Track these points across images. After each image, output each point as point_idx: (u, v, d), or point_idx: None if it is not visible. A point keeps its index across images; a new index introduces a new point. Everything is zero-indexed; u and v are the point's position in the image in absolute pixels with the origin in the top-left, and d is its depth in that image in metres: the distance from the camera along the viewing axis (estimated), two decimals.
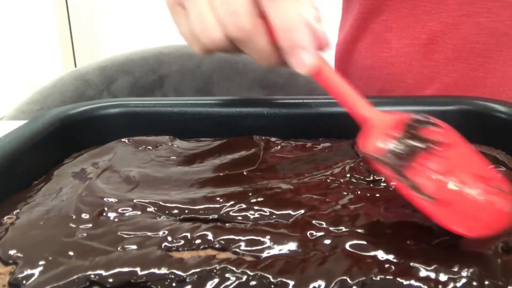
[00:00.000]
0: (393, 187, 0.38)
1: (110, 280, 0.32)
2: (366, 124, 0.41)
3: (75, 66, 2.83)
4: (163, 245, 0.35)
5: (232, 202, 0.39)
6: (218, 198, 0.40)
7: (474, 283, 0.30)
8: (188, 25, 0.46)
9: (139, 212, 0.39)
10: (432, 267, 0.31)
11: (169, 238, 0.35)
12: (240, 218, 0.38)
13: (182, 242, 0.35)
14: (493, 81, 0.67)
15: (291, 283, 0.31)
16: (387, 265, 0.32)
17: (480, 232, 0.33)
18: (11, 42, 2.75)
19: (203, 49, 0.47)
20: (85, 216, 0.38)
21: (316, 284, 0.31)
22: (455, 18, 0.66)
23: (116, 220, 0.38)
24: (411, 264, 0.32)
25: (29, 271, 0.32)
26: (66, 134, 0.52)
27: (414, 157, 0.37)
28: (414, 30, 0.70)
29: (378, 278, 0.31)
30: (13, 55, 2.76)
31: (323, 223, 0.36)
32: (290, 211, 0.38)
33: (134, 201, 0.40)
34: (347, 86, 0.43)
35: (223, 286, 0.31)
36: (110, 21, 2.82)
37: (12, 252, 0.34)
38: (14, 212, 0.40)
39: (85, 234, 0.36)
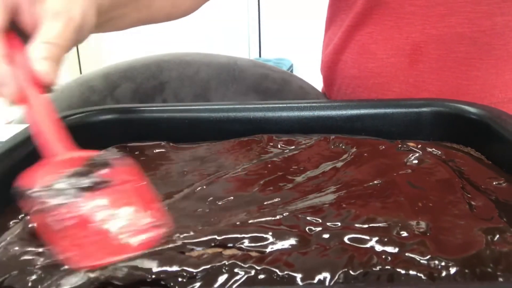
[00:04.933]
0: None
1: (123, 278, 0.31)
2: (46, 159, 0.40)
3: (81, 73, 2.83)
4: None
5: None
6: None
7: (466, 271, 0.31)
8: None
9: None
10: (427, 257, 0.31)
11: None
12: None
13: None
14: (476, 88, 0.67)
15: (298, 276, 0.31)
16: (384, 256, 0.32)
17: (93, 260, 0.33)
18: None
19: None
20: None
21: (321, 276, 0.30)
22: (438, 29, 0.66)
23: None
24: (407, 254, 0.32)
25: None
26: None
27: (79, 194, 0.36)
28: (399, 41, 0.69)
29: (377, 268, 0.31)
30: None
31: (319, 219, 0.36)
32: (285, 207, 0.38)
33: None
34: (50, 121, 0.42)
35: (233, 280, 0.31)
36: None
37: None
38: (19, 217, 0.39)
39: None
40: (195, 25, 2.69)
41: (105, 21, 0.54)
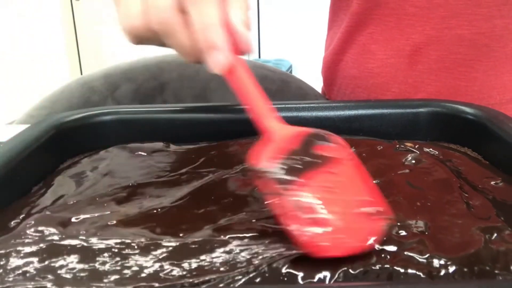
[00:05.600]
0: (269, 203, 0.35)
1: None
2: (265, 135, 0.40)
3: (81, 74, 2.83)
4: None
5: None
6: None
7: (465, 269, 0.31)
8: (118, 14, 0.45)
9: None
10: (426, 255, 0.31)
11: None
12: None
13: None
14: (474, 89, 0.67)
15: (299, 274, 0.31)
16: (383, 255, 0.32)
17: (346, 251, 0.32)
18: (22, 52, 2.74)
19: (130, 38, 0.45)
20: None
21: (321, 275, 0.31)
22: (438, 31, 0.66)
23: None
24: (406, 253, 0.32)
25: None
26: (61, 141, 0.51)
27: (304, 172, 0.35)
28: (399, 42, 0.69)
29: (377, 267, 0.31)
30: (23, 64, 2.75)
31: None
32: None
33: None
34: (258, 93, 0.41)
35: (236, 279, 0.31)
36: (114, 31, 2.82)
37: None
38: (20, 217, 0.39)
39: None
40: None
41: None
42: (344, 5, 0.76)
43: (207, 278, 0.31)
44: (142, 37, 0.43)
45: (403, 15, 0.68)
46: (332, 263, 0.31)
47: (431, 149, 0.48)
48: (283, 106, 0.54)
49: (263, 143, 0.38)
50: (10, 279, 0.31)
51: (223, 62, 0.40)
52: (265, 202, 0.35)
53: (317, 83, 0.93)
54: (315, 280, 0.30)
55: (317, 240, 0.32)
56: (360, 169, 0.38)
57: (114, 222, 0.37)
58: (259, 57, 2.79)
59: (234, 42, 0.40)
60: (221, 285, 0.30)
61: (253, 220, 0.36)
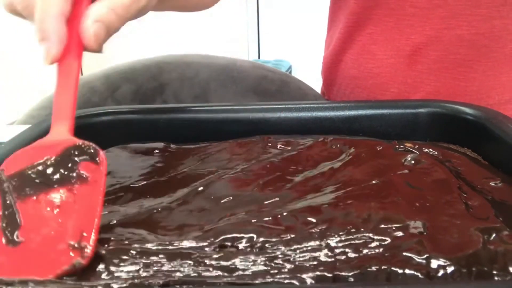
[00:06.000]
0: None
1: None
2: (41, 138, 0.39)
3: (82, 74, 2.83)
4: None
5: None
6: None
7: (463, 270, 0.31)
8: None
9: None
10: (424, 256, 0.31)
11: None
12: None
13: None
14: (473, 89, 0.67)
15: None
16: (381, 255, 0.32)
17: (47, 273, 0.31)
18: (23, 53, 2.74)
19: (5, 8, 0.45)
20: None
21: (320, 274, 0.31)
22: (438, 31, 0.66)
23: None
24: (404, 253, 0.32)
25: None
26: None
27: (46, 189, 0.34)
28: (399, 42, 0.69)
29: (375, 268, 0.31)
30: (24, 65, 2.75)
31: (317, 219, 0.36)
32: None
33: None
34: (70, 96, 0.40)
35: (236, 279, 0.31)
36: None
37: None
38: None
39: None
40: (195, 27, 2.69)
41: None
42: (343, 5, 0.76)
43: (207, 278, 0.31)
44: (14, 12, 0.43)
45: (403, 15, 0.68)
46: (328, 263, 0.31)
47: (430, 150, 0.48)
48: (283, 106, 0.54)
49: (29, 148, 0.38)
50: (10, 279, 0.31)
51: (49, 54, 0.40)
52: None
53: (316, 84, 0.93)
54: (314, 281, 0.30)
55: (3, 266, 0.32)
56: (98, 194, 0.35)
57: (114, 221, 0.37)
58: (259, 57, 2.79)
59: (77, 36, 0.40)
60: (220, 285, 0.30)
61: (253, 220, 0.36)
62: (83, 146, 0.37)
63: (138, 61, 0.90)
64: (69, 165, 0.36)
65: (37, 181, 0.35)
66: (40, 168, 0.36)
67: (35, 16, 0.40)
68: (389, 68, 0.71)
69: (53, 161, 0.36)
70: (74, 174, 0.35)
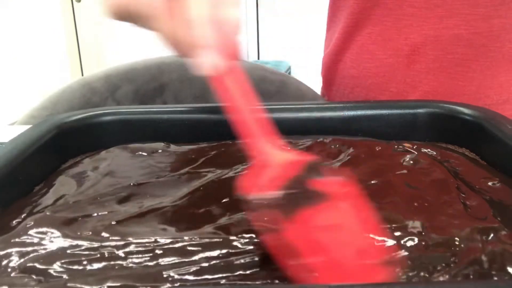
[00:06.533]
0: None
1: None
2: (257, 158, 0.35)
3: (82, 75, 2.83)
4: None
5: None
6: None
7: (462, 270, 0.31)
8: None
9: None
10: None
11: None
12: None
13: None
14: (471, 89, 0.67)
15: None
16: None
17: None
18: (24, 54, 2.74)
19: (109, 11, 0.39)
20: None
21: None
22: (436, 31, 0.66)
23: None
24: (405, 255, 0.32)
25: None
26: (63, 141, 0.51)
27: (301, 206, 0.31)
28: (397, 42, 0.69)
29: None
30: (25, 65, 2.74)
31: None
32: None
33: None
34: (251, 110, 0.36)
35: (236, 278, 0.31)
36: (115, 32, 2.82)
37: None
38: (22, 216, 0.39)
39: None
40: None
41: None
42: (343, 5, 0.76)
43: (206, 277, 0.31)
44: (122, 14, 0.39)
45: (401, 15, 0.68)
46: None
47: (429, 150, 0.48)
48: (283, 107, 0.54)
49: (255, 169, 0.34)
50: (11, 278, 0.31)
51: (210, 64, 0.36)
52: (260, 237, 0.32)
53: (315, 84, 0.93)
54: None
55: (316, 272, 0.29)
56: (360, 204, 0.33)
57: (115, 221, 0.37)
58: (258, 58, 2.79)
59: (225, 44, 0.36)
60: (220, 284, 0.30)
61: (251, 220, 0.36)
62: (315, 162, 0.34)
63: (139, 62, 0.90)
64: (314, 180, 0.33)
65: (298, 200, 0.31)
66: (293, 188, 0.32)
67: (178, 17, 0.36)
68: (388, 67, 0.71)
69: (299, 180, 0.32)
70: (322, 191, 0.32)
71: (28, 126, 0.51)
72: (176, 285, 0.30)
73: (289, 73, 2.64)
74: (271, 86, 0.90)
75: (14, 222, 0.38)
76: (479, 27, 0.64)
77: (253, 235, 0.34)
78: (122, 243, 0.34)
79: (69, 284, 0.31)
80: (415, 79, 0.69)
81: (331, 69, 0.80)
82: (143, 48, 2.43)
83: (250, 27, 2.75)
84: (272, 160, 0.34)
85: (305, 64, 2.45)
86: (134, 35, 2.55)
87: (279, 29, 2.71)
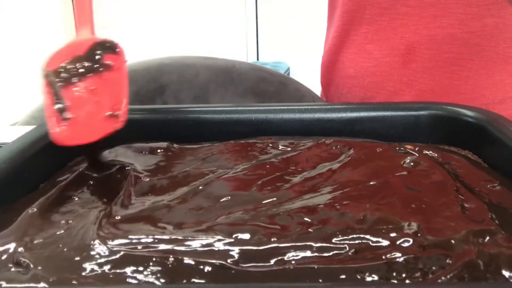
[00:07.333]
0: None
1: None
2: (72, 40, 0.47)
3: None
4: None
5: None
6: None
7: (457, 272, 0.30)
8: None
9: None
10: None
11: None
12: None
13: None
14: (467, 88, 0.67)
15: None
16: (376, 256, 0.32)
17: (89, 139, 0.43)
18: (25, 54, 2.74)
19: None
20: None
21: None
22: (430, 30, 0.66)
23: None
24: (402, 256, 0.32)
25: None
26: None
27: (82, 78, 0.44)
28: (393, 41, 0.70)
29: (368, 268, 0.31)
30: (26, 66, 2.74)
31: (313, 219, 0.36)
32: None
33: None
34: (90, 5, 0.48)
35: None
36: (115, 33, 2.81)
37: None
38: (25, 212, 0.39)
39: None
40: (195, 30, 2.69)
41: None
42: (338, 4, 0.76)
43: (206, 277, 0.31)
44: None
45: (395, 14, 0.68)
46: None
47: (430, 152, 0.47)
48: (286, 107, 0.54)
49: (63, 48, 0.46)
50: (13, 275, 0.31)
51: None
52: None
53: (314, 85, 0.94)
54: (308, 280, 0.30)
55: (63, 134, 0.43)
56: (122, 77, 0.46)
57: (119, 217, 0.37)
58: (257, 59, 2.79)
59: None
60: (219, 284, 0.30)
61: (249, 219, 0.36)
62: (104, 42, 0.46)
63: (139, 63, 0.90)
64: (96, 57, 0.46)
65: (74, 72, 0.45)
66: (74, 62, 0.45)
67: None
68: (385, 66, 0.71)
69: (83, 56, 0.45)
70: (102, 64, 0.45)
71: (29, 127, 0.51)
72: (174, 285, 0.30)
73: (288, 74, 2.64)
74: (270, 87, 0.90)
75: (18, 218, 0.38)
76: (472, 26, 0.64)
77: (249, 234, 0.34)
78: (121, 241, 0.34)
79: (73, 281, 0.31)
80: (412, 78, 0.69)
81: (329, 69, 0.81)
82: (143, 49, 2.43)
83: (250, 28, 2.75)
84: (75, 40, 0.47)
85: (304, 65, 2.45)
86: (134, 36, 2.55)
87: (278, 30, 2.71)
